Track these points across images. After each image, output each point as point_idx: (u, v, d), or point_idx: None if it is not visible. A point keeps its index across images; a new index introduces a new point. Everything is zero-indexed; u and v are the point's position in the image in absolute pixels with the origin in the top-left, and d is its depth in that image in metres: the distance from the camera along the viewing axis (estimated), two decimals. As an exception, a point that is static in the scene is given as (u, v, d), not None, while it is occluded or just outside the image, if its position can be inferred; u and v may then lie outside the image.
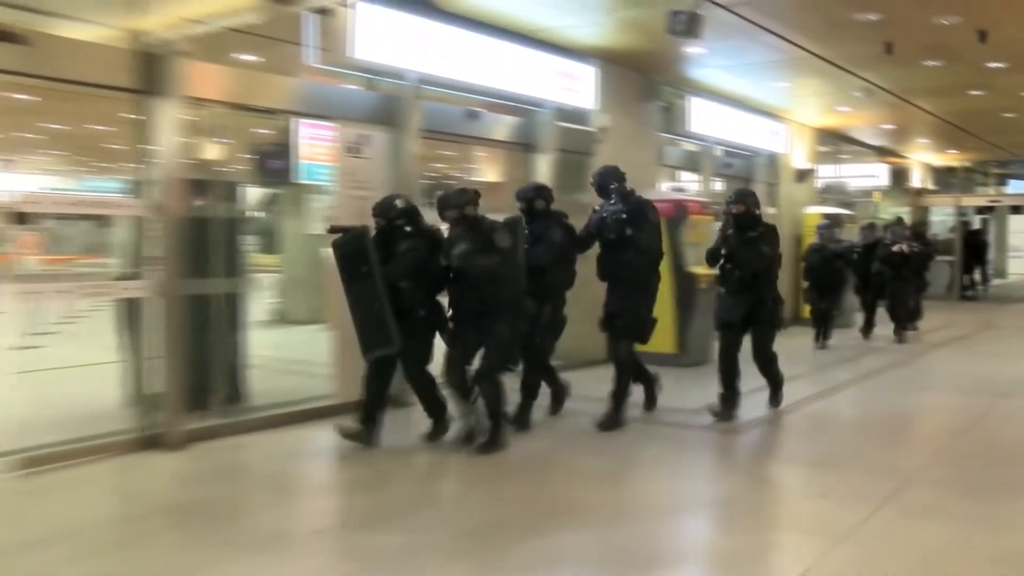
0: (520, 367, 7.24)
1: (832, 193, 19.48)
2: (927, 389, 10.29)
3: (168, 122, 6.57)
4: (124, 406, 7.27)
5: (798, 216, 15.73)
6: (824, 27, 9.74)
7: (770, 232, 7.83)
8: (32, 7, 7.09)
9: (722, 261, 7.84)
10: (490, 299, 6.46)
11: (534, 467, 6.38)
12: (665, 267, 10.38)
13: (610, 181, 7.53)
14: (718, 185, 13.95)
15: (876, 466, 6.52)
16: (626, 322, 7.38)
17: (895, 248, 13.16)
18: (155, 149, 6.61)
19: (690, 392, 8.99)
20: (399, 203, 6.67)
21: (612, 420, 7.33)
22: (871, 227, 14.04)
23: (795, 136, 15.87)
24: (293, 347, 11.01)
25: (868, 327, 13.50)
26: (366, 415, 6.58)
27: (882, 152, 20.85)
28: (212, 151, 9.39)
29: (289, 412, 7.56)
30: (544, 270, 7.05)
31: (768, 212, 14.63)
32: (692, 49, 10.21)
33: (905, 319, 13.45)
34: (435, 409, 6.82)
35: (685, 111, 12.46)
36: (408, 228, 6.59)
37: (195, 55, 6.84)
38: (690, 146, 13.25)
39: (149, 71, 6.57)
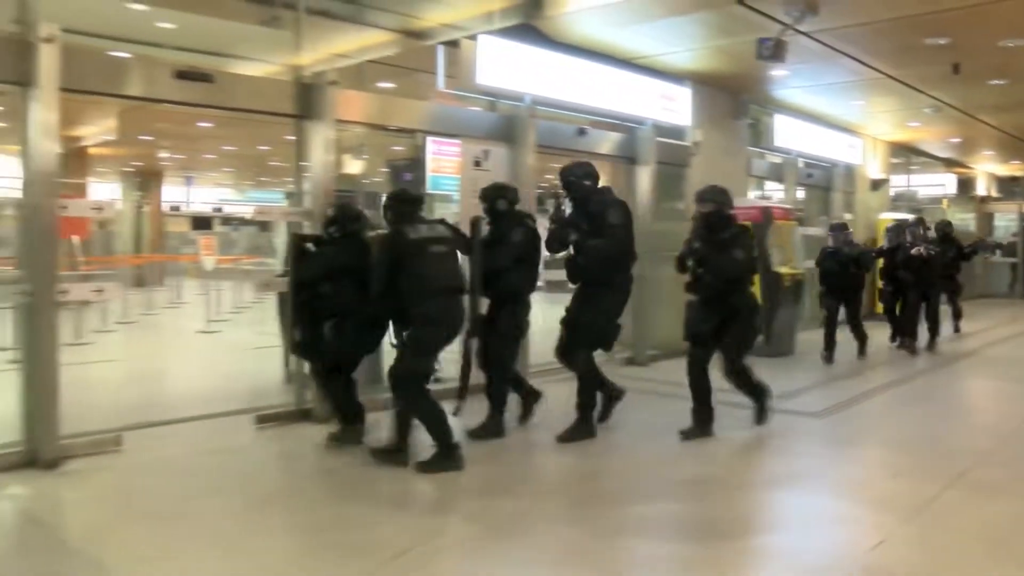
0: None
1: (903, 201, 18.77)
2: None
3: (320, 141, 6.63)
4: (283, 383, 7.42)
5: (873, 222, 15.24)
6: (897, 51, 9.37)
7: (744, 234, 6.30)
8: (214, 51, 7.31)
9: (693, 267, 6.29)
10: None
11: (627, 446, 6.22)
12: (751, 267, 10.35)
13: (576, 179, 6.31)
14: (800, 194, 13.51)
15: (947, 448, 6.19)
16: (581, 328, 6.28)
17: (913, 251, 10.69)
18: (309, 165, 6.70)
19: (774, 380, 8.72)
20: (329, 211, 6.25)
21: (574, 431, 6.16)
22: (897, 228, 11.34)
23: (870, 149, 15.31)
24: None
25: (895, 335, 11.14)
26: (342, 418, 5.97)
27: (949, 163, 19.99)
28: (356, 166, 9.52)
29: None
30: (500, 273, 6.06)
31: (846, 218, 14.19)
32: (777, 72, 9.98)
33: (933, 326, 11.03)
34: (342, 413, 5.99)
35: (770, 127, 12.18)
36: (332, 234, 5.98)
37: (343, 84, 6.90)
38: (775, 158, 12.88)
39: (305, 99, 6.67)
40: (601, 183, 6.48)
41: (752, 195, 12.60)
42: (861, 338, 10.27)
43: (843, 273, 9.98)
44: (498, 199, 6.26)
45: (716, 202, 6.25)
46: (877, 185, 15.66)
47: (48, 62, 5.16)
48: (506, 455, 5.94)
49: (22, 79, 5.19)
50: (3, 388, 5.61)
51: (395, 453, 5.46)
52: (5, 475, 5.05)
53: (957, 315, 12.52)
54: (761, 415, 6.52)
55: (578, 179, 6.27)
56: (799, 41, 8.30)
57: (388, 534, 4.28)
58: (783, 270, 10.50)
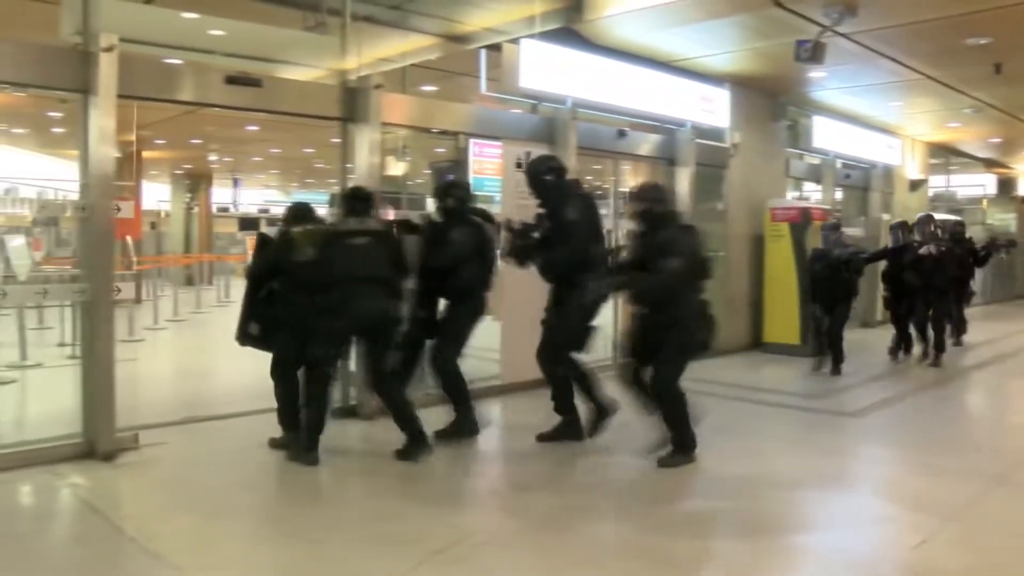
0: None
1: (942, 201, 18.45)
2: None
3: (366, 144, 6.68)
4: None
5: (912, 222, 14.91)
6: (937, 52, 9.18)
7: (683, 236, 5.42)
8: (262, 57, 7.41)
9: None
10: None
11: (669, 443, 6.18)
12: (790, 267, 10.26)
13: (535, 175, 5.94)
14: (838, 194, 13.33)
15: (986, 448, 6.08)
16: (552, 331, 5.94)
17: (922, 251, 9.45)
18: (354, 167, 6.75)
19: (811, 378, 8.66)
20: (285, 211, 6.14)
21: (556, 433, 5.97)
22: (901, 226, 10.02)
23: (908, 149, 15.06)
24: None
25: (897, 347, 9.97)
26: (292, 423, 5.74)
27: (989, 163, 19.54)
28: (400, 168, 9.58)
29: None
30: (445, 271, 5.85)
31: (883, 218, 13.97)
32: (815, 73, 9.86)
33: (940, 335, 9.68)
34: (284, 419, 5.79)
35: (808, 128, 12.01)
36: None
37: (387, 87, 6.94)
38: (813, 159, 12.71)
39: (351, 102, 6.73)
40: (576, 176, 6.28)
41: (790, 196, 12.44)
42: (836, 355, 8.91)
43: (833, 278, 8.84)
44: (446, 197, 6.03)
45: (645, 199, 5.54)
46: (916, 186, 15.41)
47: (107, 71, 5.27)
48: (545, 452, 5.94)
49: (83, 87, 5.32)
50: (64, 382, 5.74)
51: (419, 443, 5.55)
52: (66, 465, 5.18)
53: (960, 325, 11.16)
54: (673, 457, 5.51)
55: (538, 175, 5.94)
56: (837, 43, 8.18)
57: (430, 529, 4.30)
58: (821, 270, 10.37)
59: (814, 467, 5.71)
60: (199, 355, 10.72)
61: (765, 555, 4.10)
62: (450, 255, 5.85)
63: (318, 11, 7.16)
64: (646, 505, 4.83)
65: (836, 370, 8.84)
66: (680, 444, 5.50)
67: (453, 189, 6.11)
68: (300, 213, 5.91)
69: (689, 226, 5.63)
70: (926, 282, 9.38)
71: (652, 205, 5.50)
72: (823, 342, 9.05)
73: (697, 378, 7.90)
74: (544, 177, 5.91)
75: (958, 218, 13.74)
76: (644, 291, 5.51)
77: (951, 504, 4.77)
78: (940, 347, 9.64)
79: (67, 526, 4.54)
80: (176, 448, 5.75)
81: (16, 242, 8.57)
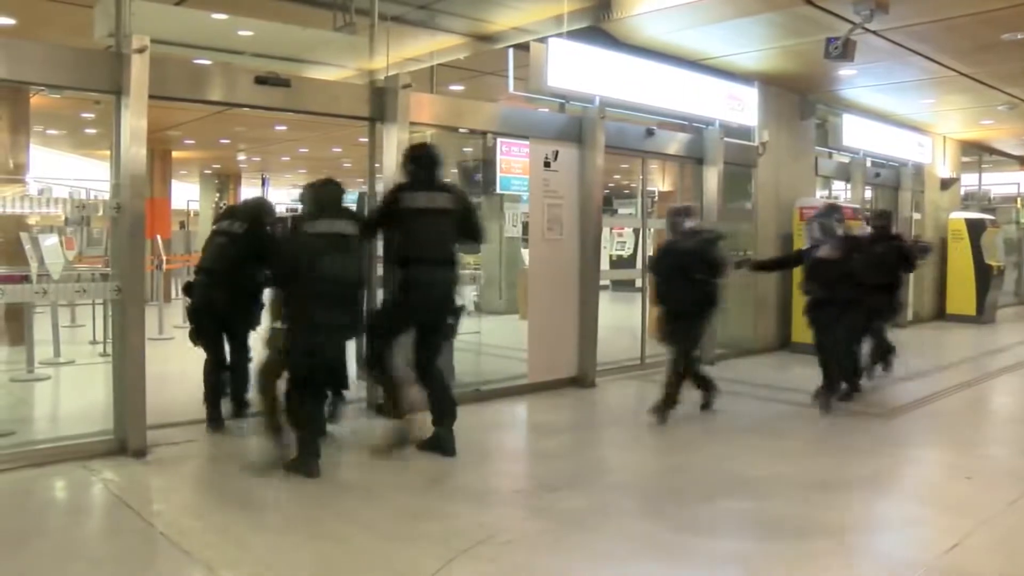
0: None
1: (974, 200, 18.19)
2: None
3: (394, 144, 6.69)
4: (356, 378, 7.51)
5: (942, 221, 14.82)
6: (971, 48, 9.01)
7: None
8: (290, 57, 7.46)
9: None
10: None
11: (697, 444, 6.16)
12: None
13: (405, 162, 5.67)
14: (868, 193, 13.19)
15: (1020, 451, 6.00)
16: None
17: (821, 253, 7.08)
18: (381, 166, 6.78)
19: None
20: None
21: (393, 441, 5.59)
22: (819, 218, 7.35)
23: (939, 147, 14.86)
24: (490, 333, 11.12)
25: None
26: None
27: (1024, 161, 19.28)
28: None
29: (491, 390, 7.60)
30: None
31: (914, 218, 13.82)
32: (845, 71, 9.77)
33: (835, 367, 7.16)
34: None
35: (838, 126, 11.91)
36: (236, 229, 6.07)
37: (415, 87, 6.96)
38: (842, 158, 12.59)
39: (379, 102, 6.75)
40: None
41: (819, 195, 12.33)
42: (667, 399, 6.60)
43: (684, 281, 6.49)
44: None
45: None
46: (947, 184, 15.20)
47: (139, 72, 5.33)
48: (570, 451, 5.93)
49: (116, 88, 5.39)
50: (96, 379, 5.81)
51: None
52: (98, 461, 5.25)
53: (882, 348, 8.54)
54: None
55: (409, 165, 5.62)
56: (868, 40, 8.09)
57: (461, 525, 4.31)
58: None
59: (842, 468, 5.65)
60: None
61: (792, 557, 4.05)
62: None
63: (347, 11, 7.19)
64: (673, 505, 4.80)
65: (663, 417, 6.55)
66: None
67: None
68: (249, 211, 6.16)
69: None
70: (830, 295, 7.02)
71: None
72: (672, 385, 6.62)
73: (727, 378, 7.93)
74: (406, 167, 5.62)
75: (883, 208, 11.75)
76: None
77: (984, 508, 4.69)
78: (832, 385, 7.14)
79: (100, 521, 4.60)
80: (206, 445, 5.82)
81: (50, 241, 8.69)
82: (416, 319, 5.49)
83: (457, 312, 5.60)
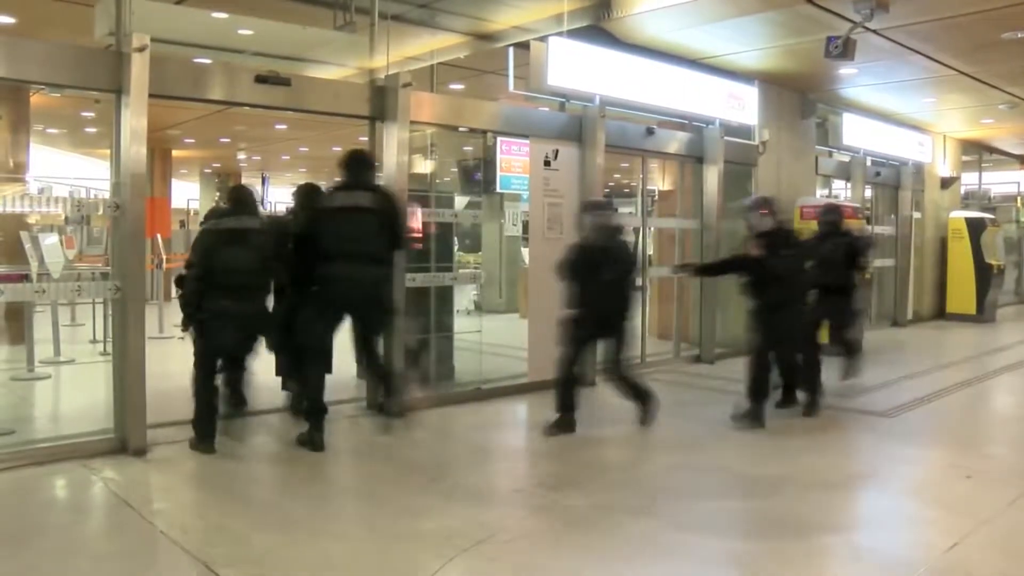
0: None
1: (975, 199, 18.19)
2: None
3: (394, 142, 6.70)
4: (356, 379, 7.49)
5: (943, 220, 14.83)
6: (972, 47, 9.02)
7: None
8: (291, 55, 7.47)
9: None
10: None
11: (696, 443, 6.16)
12: None
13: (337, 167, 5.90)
14: (868, 192, 13.18)
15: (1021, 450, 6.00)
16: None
17: (753, 252, 6.54)
18: (382, 165, 6.77)
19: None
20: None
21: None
22: (753, 208, 6.78)
23: (940, 146, 14.87)
24: (490, 332, 11.12)
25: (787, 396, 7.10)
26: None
27: (1024, 160, 19.29)
28: (427, 166, 9.61)
29: (491, 388, 7.62)
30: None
31: (915, 217, 13.82)
32: (845, 70, 9.78)
33: (762, 381, 6.58)
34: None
35: (838, 125, 11.91)
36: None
37: (415, 86, 6.96)
38: (843, 157, 12.59)
39: (380, 101, 6.76)
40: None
41: (820, 194, 12.33)
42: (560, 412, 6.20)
43: (599, 281, 6.04)
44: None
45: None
46: (947, 183, 15.21)
47: (139, 71, 5.33)
48: (571, 450, 5.93)
49: (116, 87, 5.39)
50: (96, 378, 5.80)
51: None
52: (99, 460, 5.25)
53: (849, 347, 8.00)
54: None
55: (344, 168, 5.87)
56: (868, 39, 8.10)
57: (462, 524, 4.31)
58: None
59: (843, 467, 5.66)
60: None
61: (794, 555, 4.05)
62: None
63: (347, 10, 7.19)
64: (674, 503, 4.80)
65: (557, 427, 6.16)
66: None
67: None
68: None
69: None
70: (772, 298, 6.50)
71: None
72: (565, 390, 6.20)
73: (727, 377, 7.93)
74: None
75: (831, 200, 10.73)
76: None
77: (984, 507, 4.69)
78: (758, 394, 6.52)
79: (100, 520, 4.60)
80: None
81: (50, 240, 8.69)
82: (336, 313, 5.68)
83: (386, 309, 5.85)
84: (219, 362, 5.57)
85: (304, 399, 5.88)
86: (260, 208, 6.18)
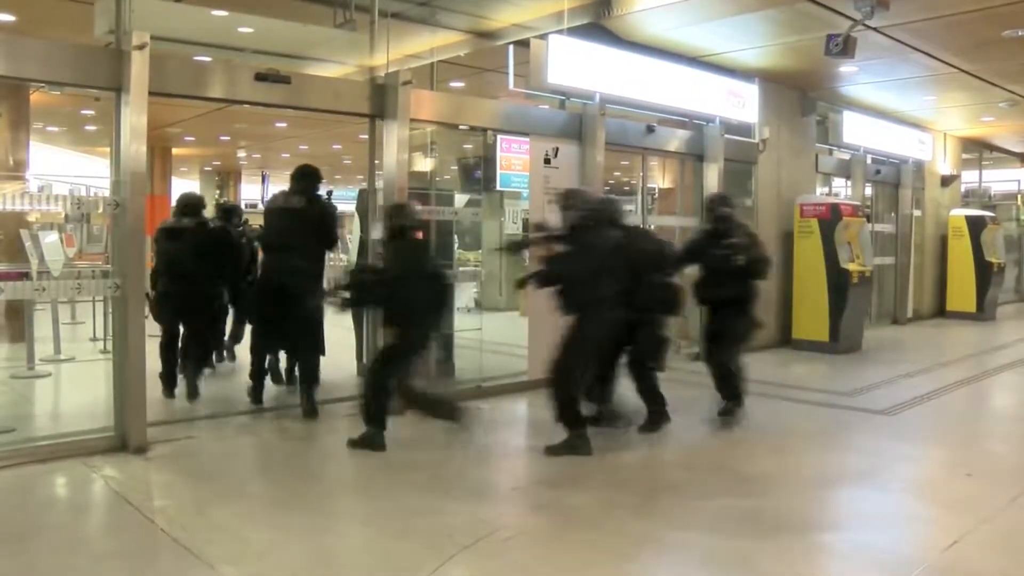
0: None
1: (975, 197, 18.18)
2: None
3: (394, 140, 6.69)
4: (357, 376, 7.51)
5: (943, 218, 14.82)
6: (972, 45, 9.02)
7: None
8: (291, 53, 7.46)
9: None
10: None
11: (695, 441, 6.16)
12: (819, 264, 10.22)
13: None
14: (868, 190, 13.17)
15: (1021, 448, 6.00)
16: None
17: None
18: (382, 163, 6.77)
19: (843, 376, 8.58)
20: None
21: None
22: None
23: (940, 144, 14.85)
24: (491, 330, 11.11)
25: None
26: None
27: (1024, 158, 19.26)
28: (428, 164, 9.60)
29: (491, 386, 7.62)
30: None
31: (915, 215, 13.82)
32: (846, 68, 9.76)
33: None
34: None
35: (838, 123, 11.88)
36: (188, 224, 7.07)
37: (416, 84, 6.95)
38: (843, 155, 12.58)
39: (380, 99, 6.74)
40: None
41: (820, 192, 12.33)
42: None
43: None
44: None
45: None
46: (947, 181, 15.20)
47: (139, 69, 5.32)
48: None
49: (116, 85, 5.38)
50: (96, 376, 5.80)
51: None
52: (99, 458, 5.25)
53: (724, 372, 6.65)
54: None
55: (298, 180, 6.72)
56: (869, 37, 8.09)
57: (462, 522, 4.31)
58: (851, 267, 10.31)
59: (841, 465, 5.67)
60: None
61: (793, 554, 4.06)
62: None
63: (347, 8, 7.19)
64: (673, 501, 4.81)
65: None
66: None
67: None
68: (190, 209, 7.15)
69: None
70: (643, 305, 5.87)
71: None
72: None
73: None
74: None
75: (716, 191, 8.80)
76: None
77: (984, 506, 4.69)
78: (657, 405, 6.14)
79: (101, 517, 4.61)
80: (206, 442, 5.81)
81: (50, 238, 8.69)
82: (266, 297, 6.53)
83: (305, 296, 6.35)
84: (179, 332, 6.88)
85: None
86: (202, 211, 7.34)
